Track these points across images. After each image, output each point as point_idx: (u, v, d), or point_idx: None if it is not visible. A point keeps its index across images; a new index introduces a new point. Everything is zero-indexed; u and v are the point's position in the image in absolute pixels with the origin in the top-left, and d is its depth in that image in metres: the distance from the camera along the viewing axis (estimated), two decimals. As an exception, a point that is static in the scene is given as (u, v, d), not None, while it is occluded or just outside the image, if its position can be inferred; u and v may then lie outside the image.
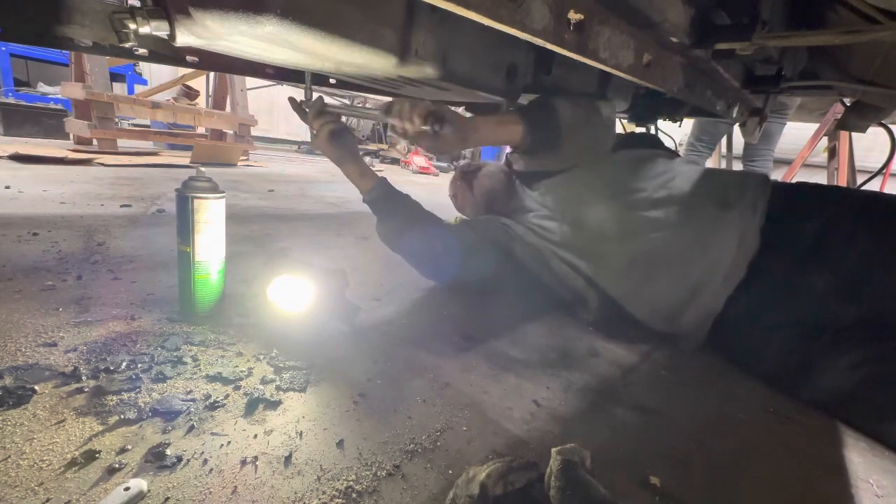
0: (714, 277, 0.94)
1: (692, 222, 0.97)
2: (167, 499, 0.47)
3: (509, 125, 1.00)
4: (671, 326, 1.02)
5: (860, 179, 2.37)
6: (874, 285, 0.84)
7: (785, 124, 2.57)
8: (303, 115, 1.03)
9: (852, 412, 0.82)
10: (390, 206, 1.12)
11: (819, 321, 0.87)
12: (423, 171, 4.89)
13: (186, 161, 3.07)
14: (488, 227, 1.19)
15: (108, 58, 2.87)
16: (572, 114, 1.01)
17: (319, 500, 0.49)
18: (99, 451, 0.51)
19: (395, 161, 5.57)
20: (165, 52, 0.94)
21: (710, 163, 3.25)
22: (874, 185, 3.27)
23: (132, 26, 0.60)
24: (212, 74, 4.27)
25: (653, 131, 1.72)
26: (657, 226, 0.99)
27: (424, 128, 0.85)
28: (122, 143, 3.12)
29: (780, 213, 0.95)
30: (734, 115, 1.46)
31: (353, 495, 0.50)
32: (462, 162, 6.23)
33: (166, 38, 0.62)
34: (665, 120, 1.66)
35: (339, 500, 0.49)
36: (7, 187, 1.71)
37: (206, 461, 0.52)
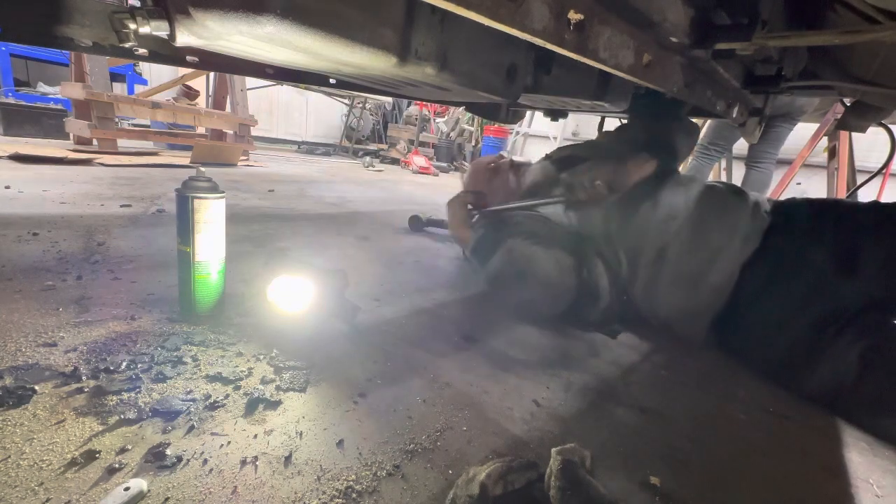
0: (732, 241, 1.01)
1: (710, 197, 1.11)
2: (167, 499, 0.47)
3: (645, 168, 1.21)
4: (690, 297, 1.03)
5: (860, 179, 2.37)
6: (868, 257, 0.91)
7: (793, 128, 2.56)
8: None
9: (852, 406, 0.84)
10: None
11: (822, 297, 0.91)
12: (422, 171, 4.89)
13: (186, 161, 3.07)
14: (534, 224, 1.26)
15: (108, 58, 2.86)
16: (683, 147, 1.36)
17: (319, 500, 0.49)
18: (99, 451, 0.51)
19: (395, 161, 5.57)
20: (165, 52, 0.93)
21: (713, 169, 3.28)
22: (874, 185, 3.28)
23: (132, 26, 0.60)
24: (212, 74, 4.26)
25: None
26: (682, 199, 1.12)
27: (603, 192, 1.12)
28: (122, 143, 3.11)
29: (781, 211, 1.07)
30: (734, 115, 1.46)
31: (353, 495, 0.50)
32: (460, 162, 6.25)
33: (166, 38, 0.62)
34: (665, 120, 1.65)
35: (339, 500, 0.49)
36: (7, 187, 1.71)
37: (206, 461, 0.52)
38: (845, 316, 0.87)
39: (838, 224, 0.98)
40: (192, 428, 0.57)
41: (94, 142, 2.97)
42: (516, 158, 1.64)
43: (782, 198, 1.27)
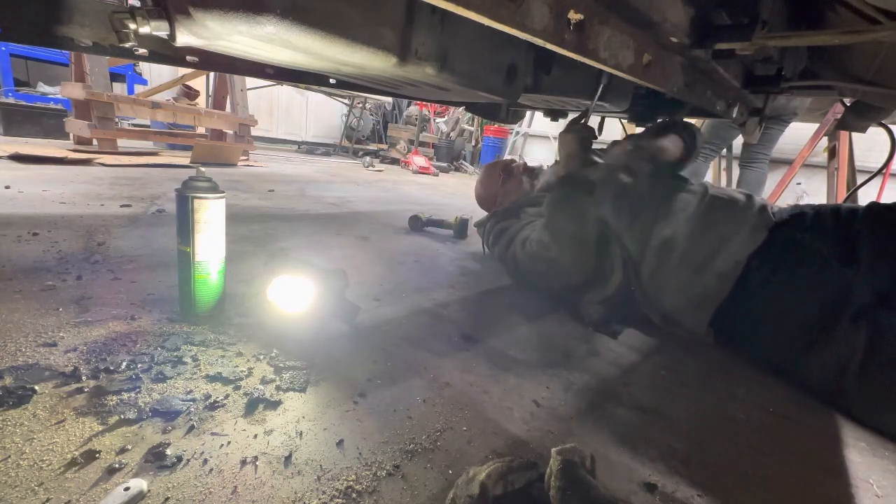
0: (740, 231, 1.04)
1: (720, 196, 1.14)
2: (167, 499, 0.47)
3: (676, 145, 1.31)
4: (695, 281, 1.04)
5: (860, 179, 2.37)
6: (866, 246, 0.93)
7: (784, 130, 2.58)
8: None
9: (852, 395, 0.84)
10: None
11: (828, 282, 0.92)
12: (422, 170, 4.88)
13: (186, 161, 3.07)
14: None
15: (108, 58, 2.86)
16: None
17: (319, 500, 0.49)
18: (99, 451, 0.51)
19: (395, 161, 5.56)
20: (165, 52, 0.94)
21: (711, 166, 3.29)
22: (874, 185, 3.27)
23: (132, 26, 0.60)
24: (212, 74, 4.25)
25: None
26: (692, 196, 1.16)
27: None
28: (122, 143, 3.11)
29: (787, 212, 1.09)
30: (734, 115, 1.46)
31: (353, 495, 0.50)
32: (461, 162, 6.24)
33: (166, 38, 0.62)
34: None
35: (339, 500, 0.49)
36: (7, 187, 1.71)
37: (206, 461, 0.52)
38: (853, 301, 0.88)
39: (837, 218, 1.02)
40: (192, 428, 0.57)
41: (94, 142, 2.97)
42: (526, 165, 1.71)
43: (782, 197, 1.30)
